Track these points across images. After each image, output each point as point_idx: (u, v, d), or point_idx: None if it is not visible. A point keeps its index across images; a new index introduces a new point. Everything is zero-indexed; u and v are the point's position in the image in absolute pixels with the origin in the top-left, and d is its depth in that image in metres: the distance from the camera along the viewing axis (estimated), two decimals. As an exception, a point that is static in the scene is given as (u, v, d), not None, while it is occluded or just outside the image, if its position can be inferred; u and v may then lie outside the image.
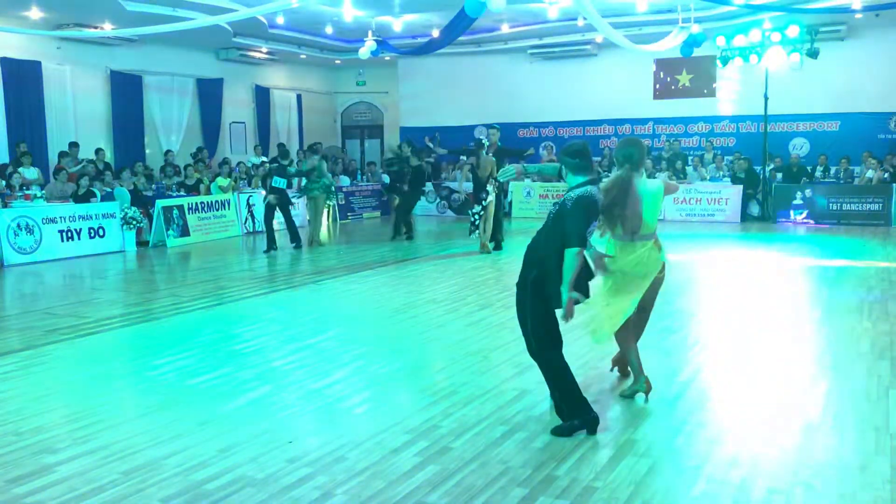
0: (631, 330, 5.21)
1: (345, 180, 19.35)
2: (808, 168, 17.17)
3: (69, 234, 12.55)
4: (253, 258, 12.64)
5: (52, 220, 12.30)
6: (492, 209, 12.18)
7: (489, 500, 3.72)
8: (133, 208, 13.48)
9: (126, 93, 17.37)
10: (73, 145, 15.23)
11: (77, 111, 16.40)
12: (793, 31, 15.19)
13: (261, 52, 19.48)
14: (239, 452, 4.32)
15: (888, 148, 16.83)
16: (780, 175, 17.13)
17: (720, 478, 3.94)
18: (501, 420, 4.78)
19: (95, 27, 15.30)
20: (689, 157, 18.36)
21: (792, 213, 16.32)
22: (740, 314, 7.87)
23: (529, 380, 5.59)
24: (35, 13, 14.17)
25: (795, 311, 8.05)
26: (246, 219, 15.96)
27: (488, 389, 5.39)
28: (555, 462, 4.14)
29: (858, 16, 15.53)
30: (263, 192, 13.61)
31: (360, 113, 24.13)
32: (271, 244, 12.85)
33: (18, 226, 11.81)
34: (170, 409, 5.07)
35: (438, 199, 19.78)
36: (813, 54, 15.18)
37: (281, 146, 14.30)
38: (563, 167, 4.70)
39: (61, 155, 14.66)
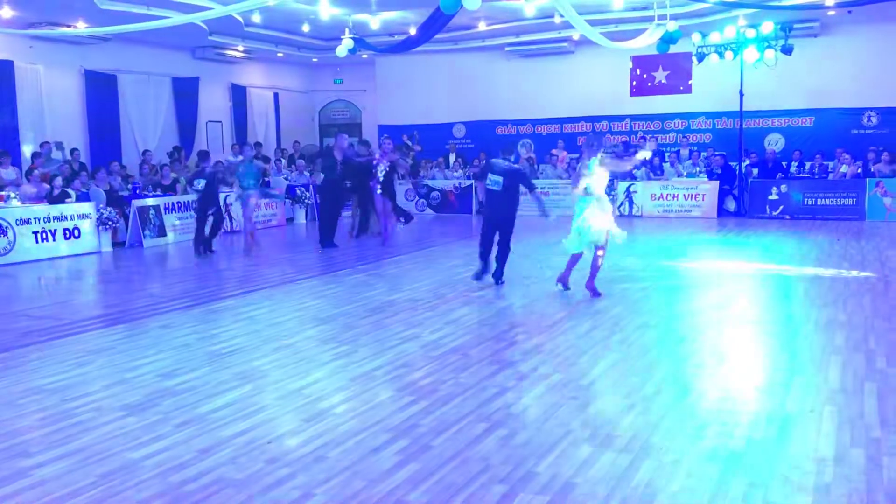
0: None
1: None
2: (783, 163, 17.35)
3: (44, 236, 12.41)
4: (230, 258, 12.56)
5: (26, 222, 12.16)
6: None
7: (469, 498, 3.72)
8: (109, 209, 13.34)
9: (101, 92, 17.21)
10: (45, 144, 15.07)
11: (51, 111, 16.21)
12: (767, 28, 15.31)
13: (237, 50, 19.35)
14: (218, 453, 4.29)
15: (862, 143, 17.03)
16: (755, 171, 17.29)
17: (699, 472, 3.97)
18: (481, 417, 4.79)
19: (68, 26, 15.12)
20: (666, 154, 18.48)
21: (768, 208, 16.49)
22: (718, 309, 7.94)
23: (509, 377, 5.61)
24: (7, 11, 13.97)
25: (773, 305, 8.12)
26: (223, 218, 15.82)
27: (468, 387, 5.39)
28: (535, 458, 4.15)
29: (831, 12, 15.70)
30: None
31: (337, 111, 24.05)
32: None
33: (-8, 227, 11.67)
34: (148, 411, 5.03)
35: (417, 197, 19.75)
36: (787, 51, 15.33)
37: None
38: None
39: (34, 155, 14.48)
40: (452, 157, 20.52)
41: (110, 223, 13.26)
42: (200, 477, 3.99)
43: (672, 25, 13.75)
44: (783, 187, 16.42)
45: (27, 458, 4.27)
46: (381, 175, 12.75)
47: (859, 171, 16.28)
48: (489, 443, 4.39)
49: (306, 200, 17.83)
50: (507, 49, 19.76)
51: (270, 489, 3.84)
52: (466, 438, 4.45)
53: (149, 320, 7.84)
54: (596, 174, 8.29)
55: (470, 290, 8.99)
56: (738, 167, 17.18)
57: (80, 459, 4.24)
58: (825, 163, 16.99)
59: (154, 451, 4.33)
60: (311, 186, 18.18)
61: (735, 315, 7.66)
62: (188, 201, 15.05)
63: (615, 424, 4.64)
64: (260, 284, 9.95)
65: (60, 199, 13.28)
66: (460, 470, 4.03)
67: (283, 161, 19.73)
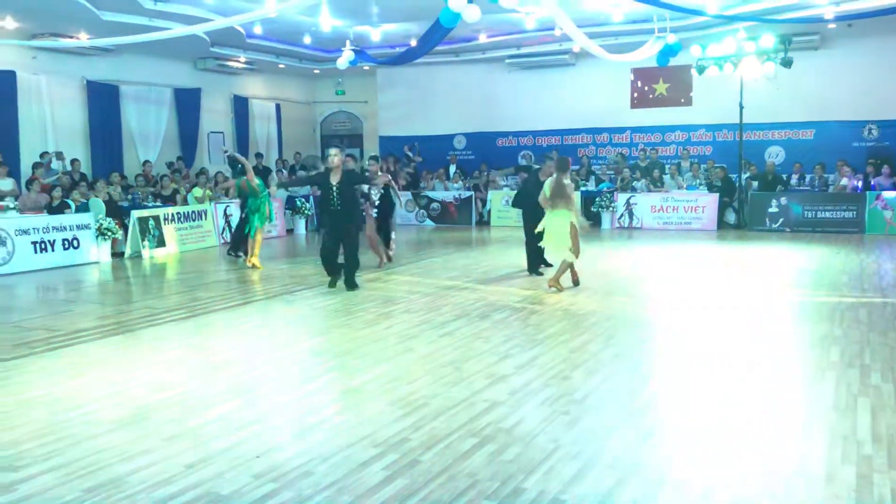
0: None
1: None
2: (784, 176, 17.32)
3: (42, 246, 12.42)
4: (229, 269, 12.55)
5: (25, 232, 12.17)
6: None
7: (455, 515, 3.70)
8: (108, 219, 13.35)
9: (103, 103, 17.28)
10: (45, 155, 15.14)
11: (54, 121, 16.28)
12: (767, 41, 15.32)
13: (239, 61, 19.43)
14: (205, 468, 4.27)
15: (863, 156, 17.01)
16: (756, 183, 17.27)
17: (687, 488, 3.94)
18: (471, 432, 4.76)
19: (71, 37, 15.20)
20: (666, 166, 18.48)
21: (768, 220, 16.46)
22: (712, 323, 7.91)
23: (501, 391, 5.59)
24: (10, 23, 14.06)
25: (768, 319, 8.08)
26: (223, 229, 15.87)
27: (459, 401, 5.37)
28: (523, 475, 4.12)
29: (832, 26, 15.73)
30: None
31: (339, 122, 24.12)
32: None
33: (-9, 238, 11.69)
34: (138, 424, 5.01)
35: (418, 209, 19.78)
36: (787, 64, 15.32)
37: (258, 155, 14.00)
38: None
39: (35, 166, 14.52)
40: (453, 169, 20.55)
41: (109, 233, 13.26)
42: (186, 492, 3.97)
43: (672, 38, 13.77)
44: (783, 200, 16.40)
45: (13, 472, 4.25)
46: (375, 198, 11.69)
47: (859, 183, 16.26)
48: (478, 458, 4.36)
49: (306, 211, 17.84)
50: (507, 61, 19.82)
51: (255, 505, 3.82)
52: (455, 453, 4.43)
53: (143, 332, 7.84)
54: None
55: (466, 303, 8.97)
56: (738, 180, 17.18)
57: (67, 473, 4.22)
58: (825, 175, 16.97)
59: (141, 466, 4.31)
60: (311, 198, 18.20)
61: (730, 329, 7.62)
62: (188, 212, 15.11)
63: (605, 440, 4.62)
64: (256, 296, 9.95)
65: (60, 209, 13.31)
66: (447, 486, 4.00)
67: (284, 172, 19.76)
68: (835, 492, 3.89)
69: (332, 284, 10.06)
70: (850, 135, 17.42)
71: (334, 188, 9.66)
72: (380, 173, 11.91)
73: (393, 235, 12.28)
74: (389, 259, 12.17)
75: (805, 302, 8.86)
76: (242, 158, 13.04)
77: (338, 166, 9.65)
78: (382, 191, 11.74)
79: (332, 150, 9.91)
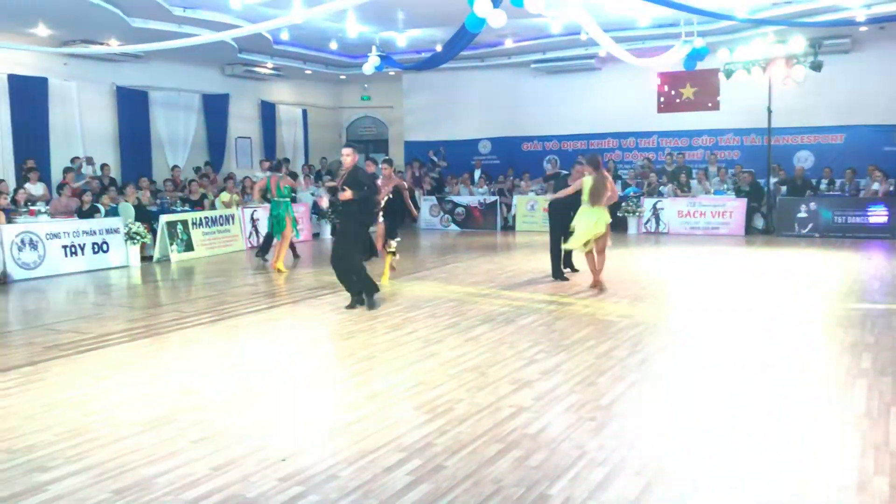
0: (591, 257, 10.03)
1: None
2: (813, 181, 17.10)
3: (73, 250, 12.59)
4: (255, 273, 12.64)
5: (56, 236, 12.35)
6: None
7: (480, 520, 3.69)
8: (137, 223, 13.51)
9: (132, 108, 17.51)
10: (76, 160, 15.35)
11: (84, 127, 16.52)
12: (796, 44, 15.14)
13: (266, 67, 19.59)
14: (232, 471, 4.30)
15: (894, 160, 16.71)
16: (784, 188, 17.06)
17: (715, 498, 3.90)
18: (497, 438, 4.75)
19: (101, 44, 15.41)
20: (694, 171, 18.33)
21: (796, 225, 16.26)
22: (740, 329, 7.82)
23: (526, 397, 5.57)
24: (42, 30, 14.28)
25: (799, 326, 7.98)
26: (250, 233, 15.99)
27: (485, 406, 5.36)
28: (548, 481, 4.10)
29: (863, 28, 15.51)
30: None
31: (365, 127, 24.22)
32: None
33: (22, 241, 11.87)
34: (165, 427, 5.05)
35: (443, 213, 19.79)
36: (816, 67, 15.12)
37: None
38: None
39: (66, 171, 14.73)
40: (478, 173, 20.54)
41: (138, 238, 13.41)
42: (213, 494, 3.99)
43: (699, 42, 13.65)
44: (812, 205, 16.19)
45: (44, 473, 4.31)
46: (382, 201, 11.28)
47: (891, 188, 16.01)
48: (503, 464, 4.35)
49: (331, 216, 17.89)
50: (533, 66, 19.78)
51: (281, 508, 3.84)
52: (480, 459, 4.42)
53: (172, 335, 7.91)
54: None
55: (491, 307, 8.96)
56: (766, 184, 16.99)
57: (96, 475, 4.27)
58: (856, 180, 16.72)
59: (169, 468, 4.35)
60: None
61: (757, 336, 7.53)
62: (216, 216, 15.24)
63: (631, 446, 4.58)
64: (282, 300, 10.01)
65: (90, 213, 13.49)
66: (472, 492, 3.99)
67: (311, 177, 19.88)
68: (866, 501, 3.83)
69: (353, 305, 9.20)
70: (881, 139, 17.13)
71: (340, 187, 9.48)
72: (392, 176, 11.82)
73: (394, 244, 11.45)
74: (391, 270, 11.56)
75: (836, 308, 8.73)
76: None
77: (349, 166, 9.47)
78: (391, 195, 11.54)
79: (345, 150, 9.67)
